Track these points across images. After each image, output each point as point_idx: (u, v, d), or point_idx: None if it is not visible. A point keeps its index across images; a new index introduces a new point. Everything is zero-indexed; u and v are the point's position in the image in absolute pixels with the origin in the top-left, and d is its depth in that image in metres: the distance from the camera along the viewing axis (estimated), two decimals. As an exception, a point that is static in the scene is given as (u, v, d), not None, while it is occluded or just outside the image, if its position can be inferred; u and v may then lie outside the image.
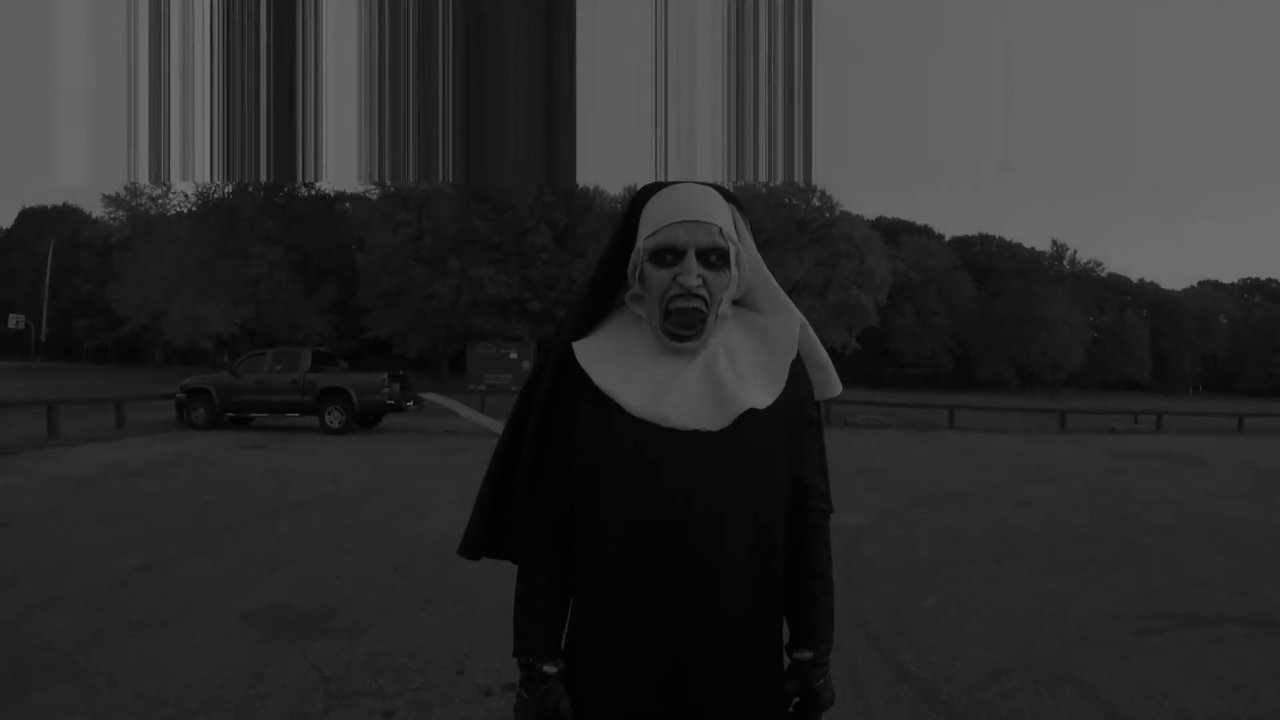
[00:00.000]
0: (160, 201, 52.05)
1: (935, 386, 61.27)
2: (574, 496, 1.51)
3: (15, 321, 57.90)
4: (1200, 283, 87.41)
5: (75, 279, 59.91)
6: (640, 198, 1.56)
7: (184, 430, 17.05)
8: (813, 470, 1.58)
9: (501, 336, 37.57)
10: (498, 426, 16.46)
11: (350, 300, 46.62)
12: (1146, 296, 79.03)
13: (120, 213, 55.76)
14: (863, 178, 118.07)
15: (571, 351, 1.54)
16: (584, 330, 1.58)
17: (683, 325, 1.46)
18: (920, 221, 78.07)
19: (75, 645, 4.15)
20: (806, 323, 1.64)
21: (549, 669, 1.47)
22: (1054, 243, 73.87)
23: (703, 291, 1.45)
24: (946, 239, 75.37)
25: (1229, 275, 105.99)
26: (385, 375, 17.42)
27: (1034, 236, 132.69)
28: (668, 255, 1.46)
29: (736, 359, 1.52)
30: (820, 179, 51.52)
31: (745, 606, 1.44)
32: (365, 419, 17.67)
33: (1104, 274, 75.68)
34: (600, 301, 1.60)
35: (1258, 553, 7.14)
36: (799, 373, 1.56)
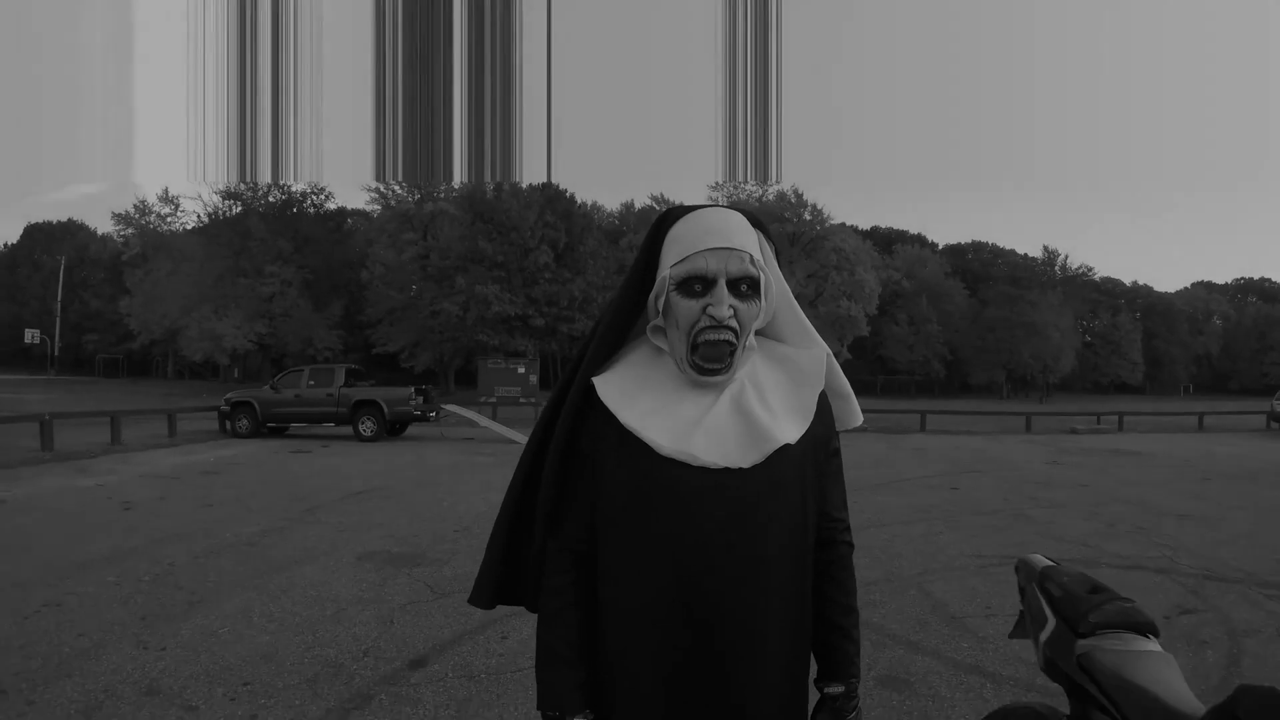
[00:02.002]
0: (169, 219, 53.83)
1: (928, 393, 62.85)
2: (596, 539, 1.46)
3: (31, 336, 59.76)
4: (1193, 284, 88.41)
5: (84, 294, 61.95)
6: (664, 222, 1.49)
7: (228, 438, 19.06)
8: (838, 503, 1.55)
9: (506, 351, 39.66)
10: (512, 434, 18.50)
11: (357, 315, 48.71)
12: (1140, 299, 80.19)
13: (129, 230, 57.60)
14: (858, 189, 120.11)
15: (592, 387, 1.48)
16: (603, 362, 1.52)
17: (711, 359, 1.40)
18: (914, 230, 79.89)
19: (243, 576, 6.10)
20: (831, 353, 1.59)
21: None
22: (1045, 248, 75.63)
23: (733, 323, 1.39)
24: (940, 247, 77.18)
25: (1222, 276, 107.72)
26: (412, 389, 19.70)
27: (1028, 242, 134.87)
28: (696, 284, 1.39)
29: (764, 392, 1.47)
30: (818, 191, 53.67)
31: (781, 645, 1.42)
32: (393, 428, 19.73)
33: (1097, 278, 77.09)
34: (621, 333, 1.53)
35: (1124, 521, 8.99)
36: (823, 404, 1.51)
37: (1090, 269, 76.57)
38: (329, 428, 20.29)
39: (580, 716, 1.42)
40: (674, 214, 1.49)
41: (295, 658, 4.35)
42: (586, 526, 1.47)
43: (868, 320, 53.87)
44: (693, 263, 1.39)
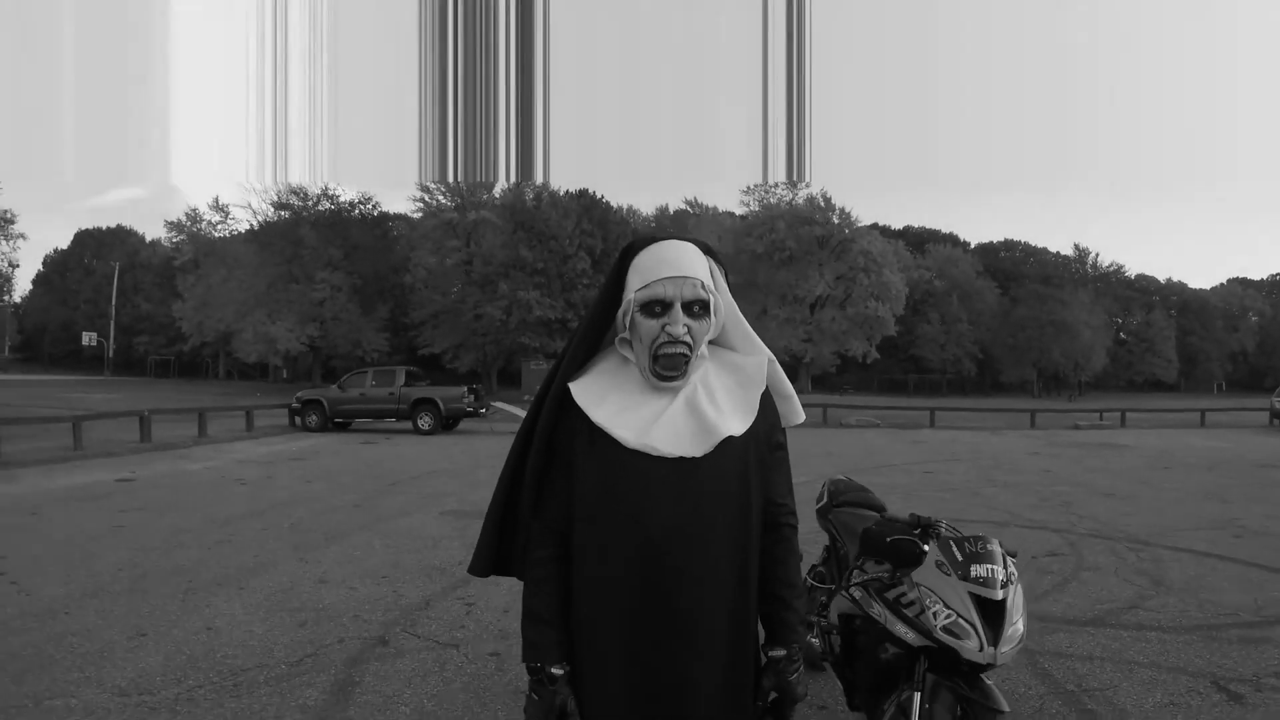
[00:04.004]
0: (219, 226, 56.16)
1: (960, 391, 63.37)
2: (573, 519, 1.70)
3: (89, 339, 62.53)
4: (1229, 280, 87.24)
5: (135, 298, 64.77)
6: (629, 252, 1.74)
7: (298, 432, 21.51)
8: (782, 490, 1.78)
9: (546, 353, 41.93)
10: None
11: (402, 317, 51.09)
12: (1174, 296, 79.52)
13: (180, 236, 60.26)
14: (892, 189, 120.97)
15: (568, 391, 1.72)
16: (578, 369, 1.78)
17: (669, 368, 1.65)
18: (947, 230, 79.97)
19: (358, 524, 8.30)
20: (774, 358, 1.83)
21: (556, 670, 1.67)
22: (1076, 246, 75.65)
23: (687, 339, 1.64)
24: (972, 246, 77.56)
25: (1258, 272, 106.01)
26: (465, 388, 22.24)
27: (1061, 241, 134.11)
28: (656, 307, 1.64)
29: (714, 393, 1.71)
30: (851, 191, 54.12)
31: (727, 609, 1.66)
32: (448, 423, 22.21)
33: (1131, 275, 76.62)
34: (593, 344, 1.81)
35: (1057, 498, 10.73)
36: (767, 403, 1.77)
37: (1121, 266, 76.58)
38: (389, 423, 22.76)
39: (557, 666, 1.68)
40: (637, 245, 1.75)
41: (412, 565, 6.54)
42: (564, 508, 1.72)
43: (896, 320, 55.08)
44: (652, 289, 1.65)
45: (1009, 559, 2.91)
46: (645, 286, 1.66)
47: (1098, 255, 75.77)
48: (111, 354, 63.04)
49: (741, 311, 1.83)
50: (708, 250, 1.76)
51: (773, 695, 1.76)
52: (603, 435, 1.67)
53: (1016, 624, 2.74)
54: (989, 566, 2.75)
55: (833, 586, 3.92)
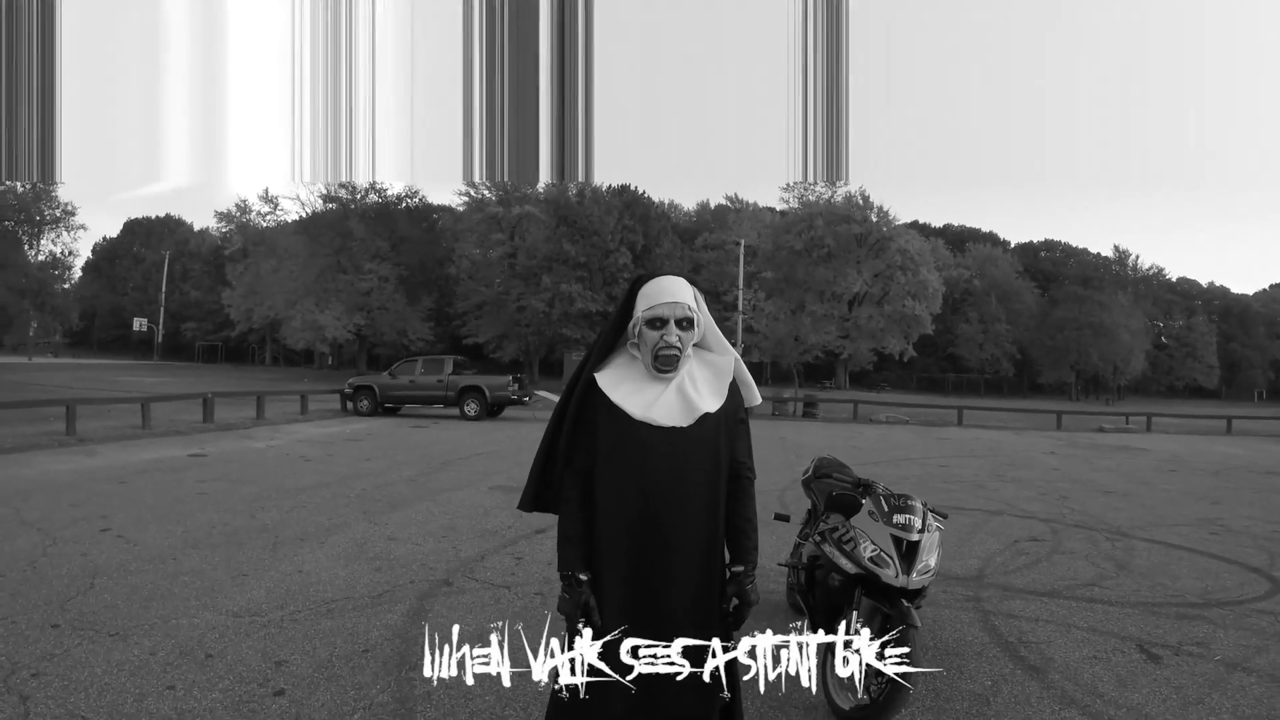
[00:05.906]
0: (267, 217, 57.70)
1: (998, 391, 63.06)
2: (594, 469, 2.39)
3: (139, 325, 64.82)
4: (1272, 285, 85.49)
5: (183, 285, 66.85)
6: (637, 283, 2.44)
7: (349, 416, 22.75)
8: (743, 452, 2.49)
9: (587, 344, 42.99)
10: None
11: (447, 307, 52.42)
12: (1216, 301, 78.06)
13: (230, 226, 61.96)
14: (932, 187, 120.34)
15: (594, 379, 2.41)
16: (600, 363, 2.46)
17: (666, 365, 2.34)
18: (987, 229, 79.18)
19: (417, 495, 9.38)
20: (739, 356, 2.57)
21: (582, 576, 2.35)
22: (1116, 248, 74.84)
23: (678, 345, 2.32)
24: (1012, 245, 77.05)
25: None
26: (510, 377, 23.55)
27: (1102, 242, 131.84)
28: (657, 322, 2.32)
29: (696, 382, 2.42)
30: (892, 189, 53.31)
31: (701, 534, 2.36)
32: (493, 409, 23.43)
33: (1173, 279, 75.39)
34: (610, 346, 2.49)
35: (1055, 492, 11.40)
36: (734, 390, 2.49)
37: (1162, 269, 75.54)
38: (437, 409, 24.04)
39: (582, 573, 2.36)
40: (644, 279, 2.45)
41: (468, 529, 7.61)
42: (589, 460, 2.40)
43: (934, 319, 55.19)
44: (654, 310, 2.34)
45: (932, 515, 3.86)
46: (650, 308, 2.35)
47: (1138, 257, 74.81)
48: (160, 339, 64.83)
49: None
50: (692, 283, 2.47)
51: (734, 601, 2.39)
52: (618, 409, 2.36)
53: (928, 561, 3.70)
54: (908, 516, 3.71)
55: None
